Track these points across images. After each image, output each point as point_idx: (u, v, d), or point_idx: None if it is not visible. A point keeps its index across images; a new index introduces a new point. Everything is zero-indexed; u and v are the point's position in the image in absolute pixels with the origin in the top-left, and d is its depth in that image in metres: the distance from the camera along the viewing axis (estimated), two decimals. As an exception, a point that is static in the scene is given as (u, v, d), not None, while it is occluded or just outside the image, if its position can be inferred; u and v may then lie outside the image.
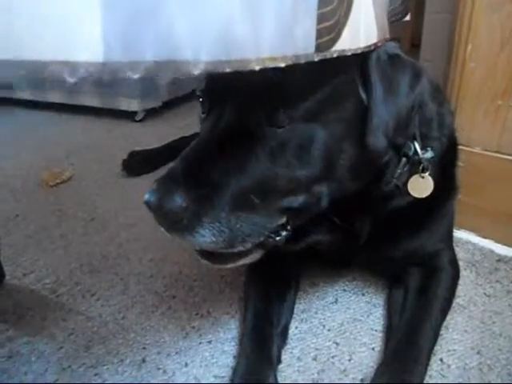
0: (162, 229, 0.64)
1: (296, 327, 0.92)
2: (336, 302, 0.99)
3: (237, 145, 0.63)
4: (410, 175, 0.80)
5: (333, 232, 0.83)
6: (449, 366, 0.81)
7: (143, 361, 0.86)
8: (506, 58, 0.98)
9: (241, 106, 0.64)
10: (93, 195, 1.57)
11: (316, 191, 0.69)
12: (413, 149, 0.78)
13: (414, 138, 0.78)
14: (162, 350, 0.88)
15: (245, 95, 0.63)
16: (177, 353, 0.87)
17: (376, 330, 0.90)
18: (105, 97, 2.35)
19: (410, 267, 0.91)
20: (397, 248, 0.88)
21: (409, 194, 0.81)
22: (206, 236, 0.61)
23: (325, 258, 0.97)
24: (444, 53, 1.45)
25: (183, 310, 0.98)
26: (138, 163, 1.71)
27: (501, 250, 1.12)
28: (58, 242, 1.29)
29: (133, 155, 1.73)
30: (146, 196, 0.61)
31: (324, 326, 0.92)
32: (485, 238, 1.15)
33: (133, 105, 2.29)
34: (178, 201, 0.58)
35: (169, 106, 2.47)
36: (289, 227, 0.73)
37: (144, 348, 0.89)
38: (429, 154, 0.80)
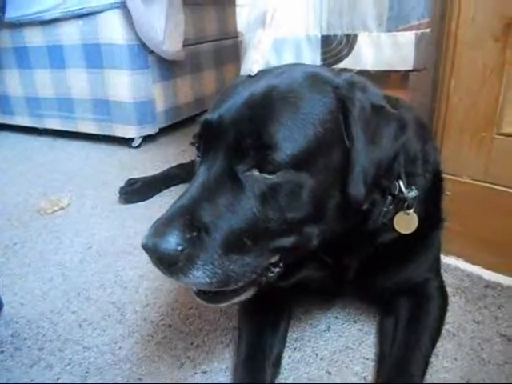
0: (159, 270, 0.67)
1: (289, 356, 0.94)
2: (328, 329, 1.01)
3: (229, 190, 0.67)
4: (395, 212, 0.83)
5: (322, 268, 0.86)
6: (439, 395, 0.83)
7: (139, 392, 0.87)
8: (488, 92, 1.03)
9: (232, 154, 0.68)
10: (90, 223, 1.59)
11: (306, 232, 0.72)
12: (398, 188, 0.81)
13: (398, 177, 0.82)
14: (158, 381, 0.89)
15: (235, 143, 0.68)
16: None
17: (368, 359, 0.92)
18: (101, 123, 2.39)
19: (399, 296, 0.93)
20: (385, 279, 0.91)
21: (394, 229, 0.84)
22: (201, 277, 0.64)
23: (315, 289, 1.00)
24: (430, 82, 1.52)
25: (179, 340, 1.00)
26: (135, 191, 1.74)
27: (489, 276, 1.14)
28: (55, 270, 1.31)
29: (130, 183, 1.77)
30: (144, 240, 0.64)
31: (317, 355, 0.93)
32: (473, 264, 1.18)
33: (129, 131, 2.33)
34: (173, 244, 0.61)
35: (165, 132, 2.51)
36: (281, 264, 0.76)
37: (139, 379, 0.90)
38: (413, 193, 0.82)
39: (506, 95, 1.02)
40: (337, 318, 1.04)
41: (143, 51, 2.21)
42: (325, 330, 1.00)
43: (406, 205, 0.82)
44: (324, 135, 0.68)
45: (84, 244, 1.45)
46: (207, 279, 0.65)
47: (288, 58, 1.31)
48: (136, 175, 1.85)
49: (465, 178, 1.14)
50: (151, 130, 2.37)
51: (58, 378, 0.91)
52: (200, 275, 0.64)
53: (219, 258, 0.65)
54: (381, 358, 0.89)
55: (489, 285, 1.11)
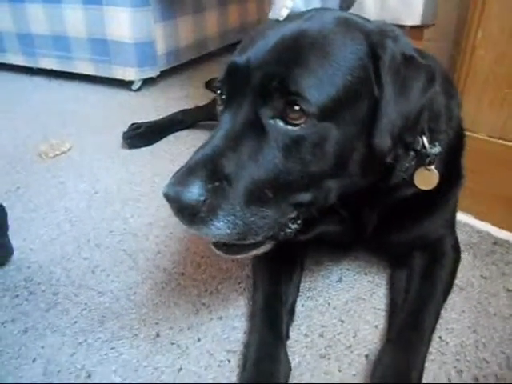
0: (178, 219, 0.67)
1: (302, 305, 0.96)
2: (340, 280, 1.03)
3: (253, 139, 0.66)
4: (416, 168, 0.82)
5: (340, 223, 0.87)
6: (447, 344, 0.86)
7: (157, 335, 0.89)
8: (516, 46, 0.99)
9: (257, 98, 0.66)
10: (94, 168, 1.56)
11: (326, 187, 0.72)
12: (421, 143, 0.80)
13: (422, 133, 0.80)
14: (175, 326, 0.91)
15: (261, 87, 0.65)
16: (189, 328, 0.91)
17: (379, 309, 0.94)
18: (99, 64, 2.29)
19: (414, 251, 0.95)
20: (402, 235, 0.92)
21: (414, 185, 0.83)
22: (222, 229, 0.64)
23: (331, 243, 1.00)
24: (449, 34, 1.45)
25: (192, 287, 1.01)
26: (138, 135, 1.70)
27: (497, 233, 1.16)
28: (62, 216, 1.30)
29: (133, 127, 1.72)
30: (165, 189, 0.63)
31: (329, 304, 0.96)
32: (482, 220, 1.19)
33: (129, 74, 2.24)
34: (195, 194, 0.61)
35: (166, 75, 2.43)
36: (299, 221, 0.76)
37: (157, 323, 0.92)
38: (436, 149, 0.82)
39: (534, 49, 0.99)
40: (348, 269, 1.06)
41: (144, -13, 2.08)
42: (337, 281, 1.02)
43: (427, 161, 0.81)
44: (353, 84, 0.66)
45: (89, 190, 1.43)
46: (228, 230, 0.65)
47: (315, 3, 1.25)
48: (137, 120, 1.80)
49: (481, 135, 1.13)
50: (152, 72, 2.29)
51: (76, 322, 0.93)
52: (221, 226, 0.64)
53: (241, 210, 0.64)
54: (392, 309, 0.91)
55: (497, 242, 1.13)
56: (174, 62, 2.44)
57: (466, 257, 1.07)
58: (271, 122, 0.65)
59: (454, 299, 0.95)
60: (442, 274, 0.90)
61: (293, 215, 0.73)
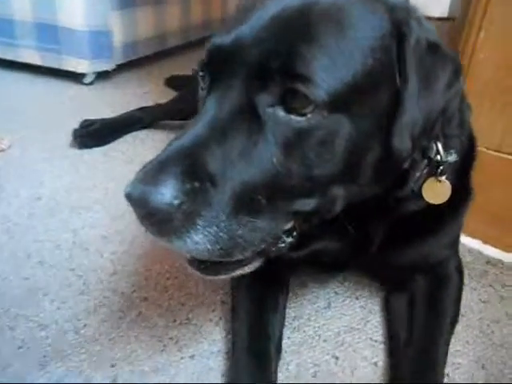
0: (145, 229, 0.52)
1: (289, 337, 0.82)
2: (329, 306, 0.90)
3: (245, 130, 0.52)
4: (426, 178, 0.71)
5: (341, 239, 0.74)
6: (455, 382, 0.76)
7: (114, 380, 0.72)
8: (522, 50, 0.92)
9: (252, 81, 0.52)
10: (38, 169, 1.35)
11: (332, 194, 0.59)
12: (435, 150, 0.69)
13: (436, 139, 0.69)
14: (136, 367, 0.75)
15: (258, 66, 0.52)
16: (154, 371, 0.74)
17: (376, 341, 0.83)
18: (48, 53, 2.04)
19: (415, 273, 0.84)
20: (405, 255, 0.80)
21: (423, 198, 0.72)
22: (200, 243, 0.50)
23: (325, 262, 0.87)
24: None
25: (158, 316, 0.85)
26: (91, 134, 1.50)
27: (489, 251, 1.09)
28: (-3, 225, 1.08)
29: (85, 124, 1.52)
30: (128, 188, 0.49)
31: (319, 337, 0.83)
32: (473, 238, 1.11)
33: (81, 66, 2.01)
34: (168, 196, 0.47)
35: (123, 69, 2.22)
36: (295, 233, 0.62)
37: (113, 365, 0.75)
38: (452, 157, 0.70)
39: (540, 55, 0.91)
40: (336, 293, 0.94)
41: (101, -30, 1.88)
42: (325, 308, 0.90)
43: (439, 170, 0.70)
44: (373, 68, 0.53)
45: (31, 195, 1.22)
46: (208, 245, 0.51)
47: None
48: (89, 116, 1.59)
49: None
50: (107, 65, 2.07)
51: (9, 365, 0.73)
52: (200, 239, 0.50)
53: (226, 219, 0.50)
54: (393, 342, 0.80)
55: (490, 261, 1.05)
56: (132, 56, 2.24)
57: (461, 278, 0.98)
58: (269, 110, 0.52)
59: (456, 328, 0.85)
60: (448, 301, 0.79)
61: (288, 226, 0.60)
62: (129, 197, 0.49)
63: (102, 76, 2.13)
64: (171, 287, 0.92)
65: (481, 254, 1.08)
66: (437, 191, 0.71)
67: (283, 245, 0.62)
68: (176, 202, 0.47)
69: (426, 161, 0.68)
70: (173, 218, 0.48)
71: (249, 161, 0.52)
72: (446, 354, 0.74)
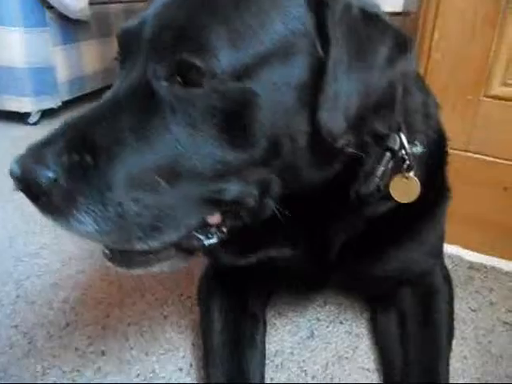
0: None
1: (271, 378, 0.72)
2: (312, 336, 0.81)
3: (138, 107, 0.49)
4: (392, 175, 0.64)
5: (294, 243, 0.65)
6: (459, 405, 0.68)
7: None
8: (478, 47, 0.90)
9: (146, 58, 0.50)
10: (-24, 217, 1.21)
11: (256, 179, 0.52)
12: (398, 142, 0.62)
13: (399, 130, 0.63)
14: None
15: (151, 43, 0.50)
16: None
17: (367, 369, 0.74)
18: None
19: (399, 287, 0.77)
20: (382, 263, 0.73)
21: (392, 198, 0.66)
22: (86, 222, 0.46)
23: (291, 278, 0.78)
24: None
25: (118, 372, 0.73)
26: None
27: (469, 256, 1.04)
28: None
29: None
30: (11, 163, 0.47)
31: (306, 373, 0.74)
32: (450, 243, 1.06)
33: (24, 105, 1.90)
34: (42, 170, 0.45)
35: (70, 106, 2.11)
36: (224, 229, 0.56)
37: None
38: (418, 149, 0.65)
39: (497, 50, 0.90)
40: (318, 319, 0.85)
41: (39, 5, 1.79)
42: (308, 337, 0.81)
43: (406, 165, 0.64)
44: (282, 38, 0.49)
45: (-31, 246, 1.08)
46: (93, 225, 0.46)
47: None
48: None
49: (443, 148, 1.01)
50: (52, 103, 1.97)
51: None
52: (84, 219, 0.46)
53: (113, 197, 0.46)
54: (388, 368, 0.72)
55: (472, 266, 1.01)
56: (78, 92, 2.14)
57: (447, 288, 0.92)
58: (164, 83, 0.49)
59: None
60: (441, 315, 0.72)
61: (213, 219, 0.54)
62: (10, 172, 0.46)
63: (47, 114, 2.02)
64: (133, 335, 0.81)
65: (461, 259, 1.03)
66: (404, 188, 0.64)
67: (208, 240, 0.56)
68: (51, 175, 0.45)
69: (388, 153, 0.62)
70: (53, 194, 0.45)
71: (141, 137, 0.48)
72: (447, 374, 0.66)
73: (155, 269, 0.56)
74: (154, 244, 0.50)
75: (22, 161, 0.46)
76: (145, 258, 0.54)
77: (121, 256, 0.54)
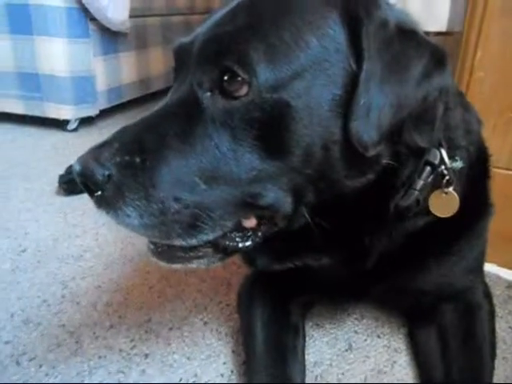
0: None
1: (311, 388, 0.74)
2: (350, 348, 0.82)
3: (184, 116, 0.54)
4: (432, 190, 0.65)
5: (330, 252, 0.66)
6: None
7: None
8: (521, 66, 0.90)
9: (193, 71, 0.55)
10: (21, 220, 1.27)
11: (290, 186, 0.54)
12: (439, 157, 0.63)
13: (439, 145, 0.64)
14: None
15: (198, 57, 0.54)
16: None
17: (407, 384, 0.74)
18: (30, 102, 2.01)
19: (440, 303, 0.77)
20: (421, 278, 0.73)
21: (431, 212, 0.66)
22: (132, 216, 0.51)
23: (331, 289, 0.79)
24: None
25: (161, 375, 0.75)
26: (77, 180, 1.43)
27: (506, 274, 1.03)
28: (-23, 283, 0.99)
29: (71, 171, 1.44)
30: (75, 162, 0.52)
31: (345, 384, 0.74)
32: (488, 262, 1.05)
33: (64, 112, 1.98)
34: (98, 167, 0.50)
35: (106, 115, 2.18)
36: (259, 233, 0.59)
37: None
38: (458, 164, 0.66)
39: (541, 69, 0.90)
40: (356, 332, 0.86)
41: (83, 17, 1.87)
42: (346, 350, 0.81)
43: (445, 181, 0.64)
44: (316, 53, 0.52)
45: (15, 247, 1.13)
46: (140, 219, 0.51)
47: None
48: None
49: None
50: (90, 111, 2.04)
51: None
52: (131, 213, 0.51)
53: (157, 195, 0.51)
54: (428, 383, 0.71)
55: (510, 285, 1.00)
56: (116, 101, 2.21)
57: (486, 306, 0.92)
58: (208, 94, 0.53)
59: (492, 362, 0.78)
60: (483, 333, 0.72)
61: (249, 223, 0.58)
62: (74, 170, 0.52)
63: (85, 122, 2.09)
64: (175, 339, 0.83)
65: (499, 278, 1.02)
66: (443, 203, 0.65)
67: (243, 244, 0.59)
68: (106, 172, 0.50)
69: (428, 168, 0.63)
70: (106, 190, 0.51)
71: (185, 142, 0.52)
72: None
73: (193, 265, 0.60)
74: (191, 241, 0.54)
75: (83, 159, 0.52)
76: (184, 255, 0.58)
77: (164, 252, 0.59)
